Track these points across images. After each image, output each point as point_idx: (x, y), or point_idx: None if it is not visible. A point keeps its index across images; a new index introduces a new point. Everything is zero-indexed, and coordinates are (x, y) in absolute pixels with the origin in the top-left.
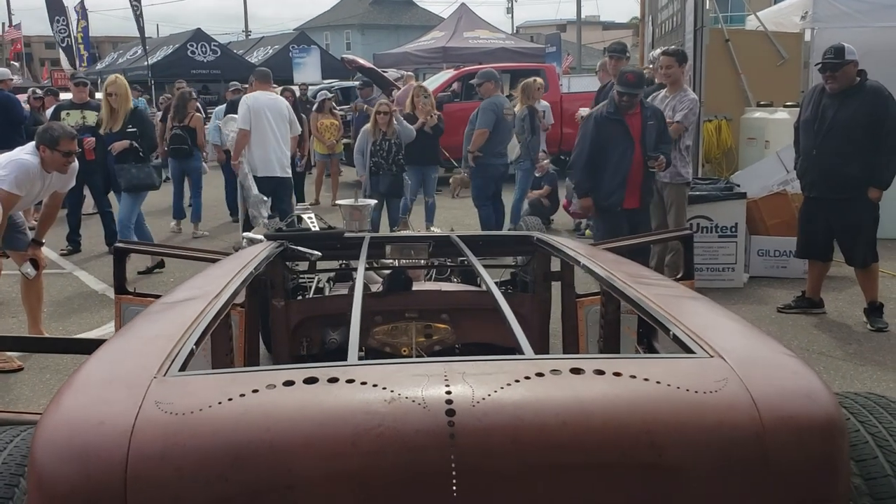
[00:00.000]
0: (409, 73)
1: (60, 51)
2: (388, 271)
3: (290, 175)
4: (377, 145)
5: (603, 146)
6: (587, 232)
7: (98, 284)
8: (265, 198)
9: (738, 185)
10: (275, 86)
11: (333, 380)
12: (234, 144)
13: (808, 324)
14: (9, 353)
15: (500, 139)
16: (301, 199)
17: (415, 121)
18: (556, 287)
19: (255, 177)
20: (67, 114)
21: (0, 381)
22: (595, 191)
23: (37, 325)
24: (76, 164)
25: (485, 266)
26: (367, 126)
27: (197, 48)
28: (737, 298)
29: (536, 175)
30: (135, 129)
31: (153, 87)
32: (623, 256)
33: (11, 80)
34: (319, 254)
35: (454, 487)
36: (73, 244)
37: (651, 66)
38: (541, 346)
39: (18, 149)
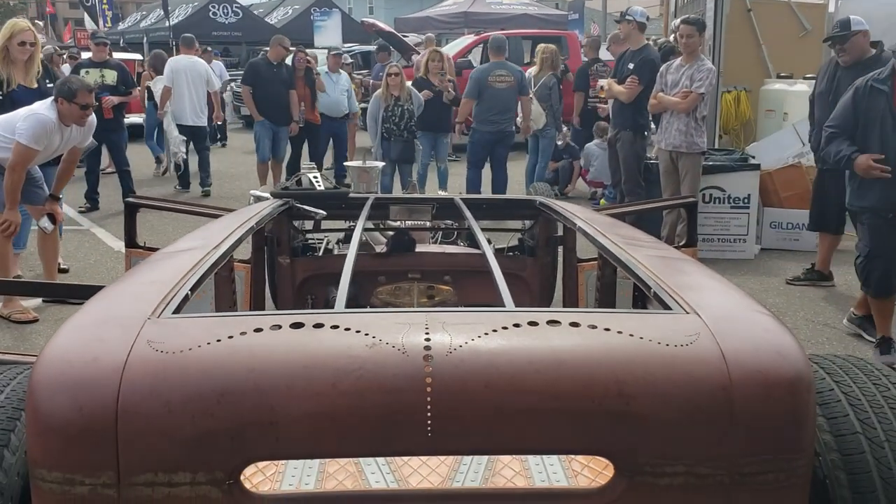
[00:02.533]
0: (431, 35)
1: (84, 9)
2: (392, 232)
3: (205, 123)
4: (389, 111)
5: (862, 125)
6: (602, 201)
7: (115, 242)
8: (183, 138)
9: (753, 157)
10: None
11: (319, 325)
12: (160, 99)
13: (816, 296)
14: (25, 305)
15: (486, 107)
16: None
17: (427, 85)
18: None
19: (176, 124)
20: (87, 72)
21: (16, 331)
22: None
23: (52, 278)
24: (94, 118)
25: (493, 230)
26: (379, 91)
27: (218, 9)
28: (746, 269)
29: (558, 143)
30: (51, 85)
31: (174, 48)
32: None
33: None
34: (324, 212)
35: (429, 428)
36: (92, 202)
37: (674, 35)
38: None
39: (38, 103)
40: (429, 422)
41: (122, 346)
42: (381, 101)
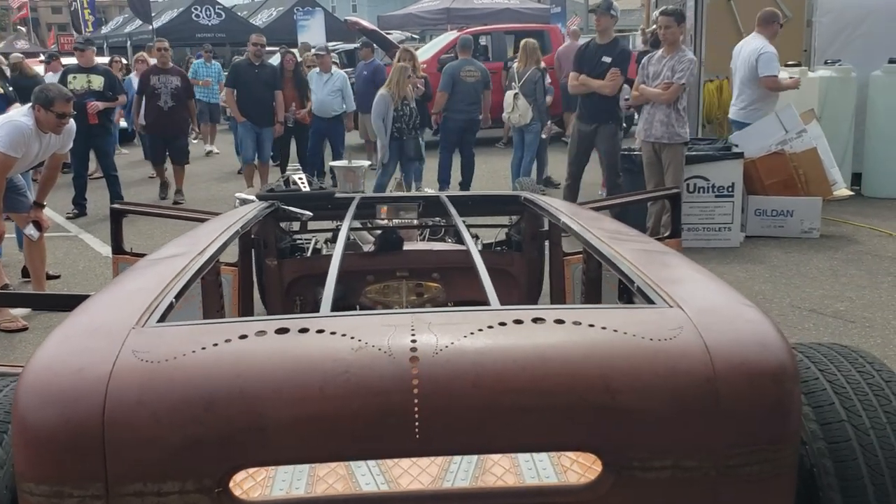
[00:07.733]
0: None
1: (69, 15)
2: (379, 231)
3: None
4: (399, 111)
5: None
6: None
7: (103, 248)
8: None
9: (736, 146)
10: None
11: (304, 330)
12: None
13: (801, 282)
14: (14, 313)
15: (458, 98)
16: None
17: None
18: None
19: None
20: (74, 77)
21: (5, 340)
22: None
23: (40, 285)
24: (72, 124)
25: (481, 226)
26: (385, 91)
27: (202, 11)
28: (732, 257)
29: (543, 136)
30: (13, 90)
31: None
32: (617, 218)
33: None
34: (310, 213)
35: (417, 429)
36: (79, 208)
37: (655, 26)
38: (529, 303)
39: (15, 110)
40: (417, 423)
41: (108, 356)
42: (388, 100)
